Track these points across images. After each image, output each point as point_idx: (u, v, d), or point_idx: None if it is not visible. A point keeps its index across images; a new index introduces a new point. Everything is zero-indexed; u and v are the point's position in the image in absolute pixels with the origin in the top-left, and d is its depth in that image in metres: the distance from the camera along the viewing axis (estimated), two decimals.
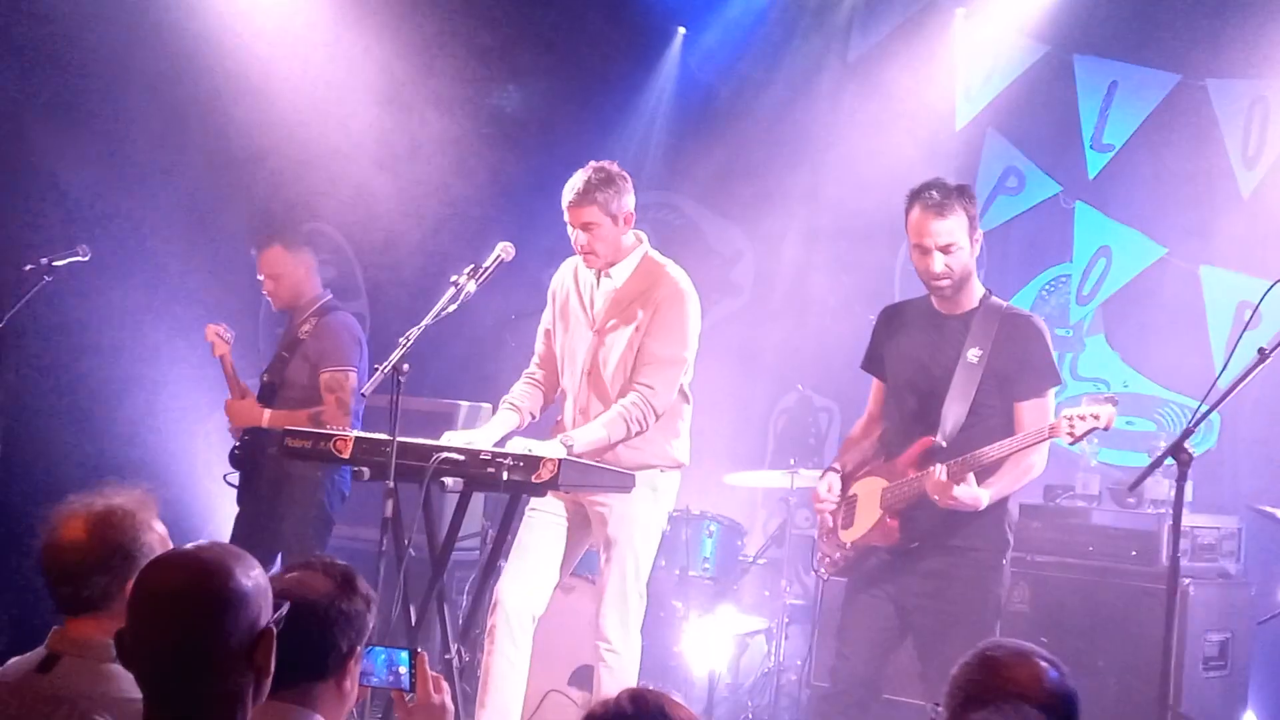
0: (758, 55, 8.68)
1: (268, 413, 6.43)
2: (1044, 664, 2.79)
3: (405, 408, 4.86)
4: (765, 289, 8.71)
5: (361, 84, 8.55)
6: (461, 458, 4.81)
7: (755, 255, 8.85)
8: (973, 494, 4.79)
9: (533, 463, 4.73)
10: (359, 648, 2.97)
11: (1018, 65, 7.92)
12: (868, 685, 5.02)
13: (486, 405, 7.08)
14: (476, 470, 4.79)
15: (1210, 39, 7.32)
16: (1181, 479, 4.44)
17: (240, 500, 6.60)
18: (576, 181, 5.32)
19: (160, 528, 3.35)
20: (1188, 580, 6.14)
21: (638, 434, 5.29)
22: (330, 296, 6.75)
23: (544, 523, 5.37)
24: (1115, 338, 7.68)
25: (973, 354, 4.93)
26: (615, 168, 5.39)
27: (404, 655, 3.17)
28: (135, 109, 8.17)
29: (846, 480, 5.20)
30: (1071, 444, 4.83)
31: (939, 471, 4.79)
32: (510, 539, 5.32)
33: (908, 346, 5.11)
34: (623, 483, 5.17)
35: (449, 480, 4.81)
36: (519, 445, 5.08)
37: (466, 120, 8.78)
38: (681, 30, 8.97)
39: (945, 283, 4.95)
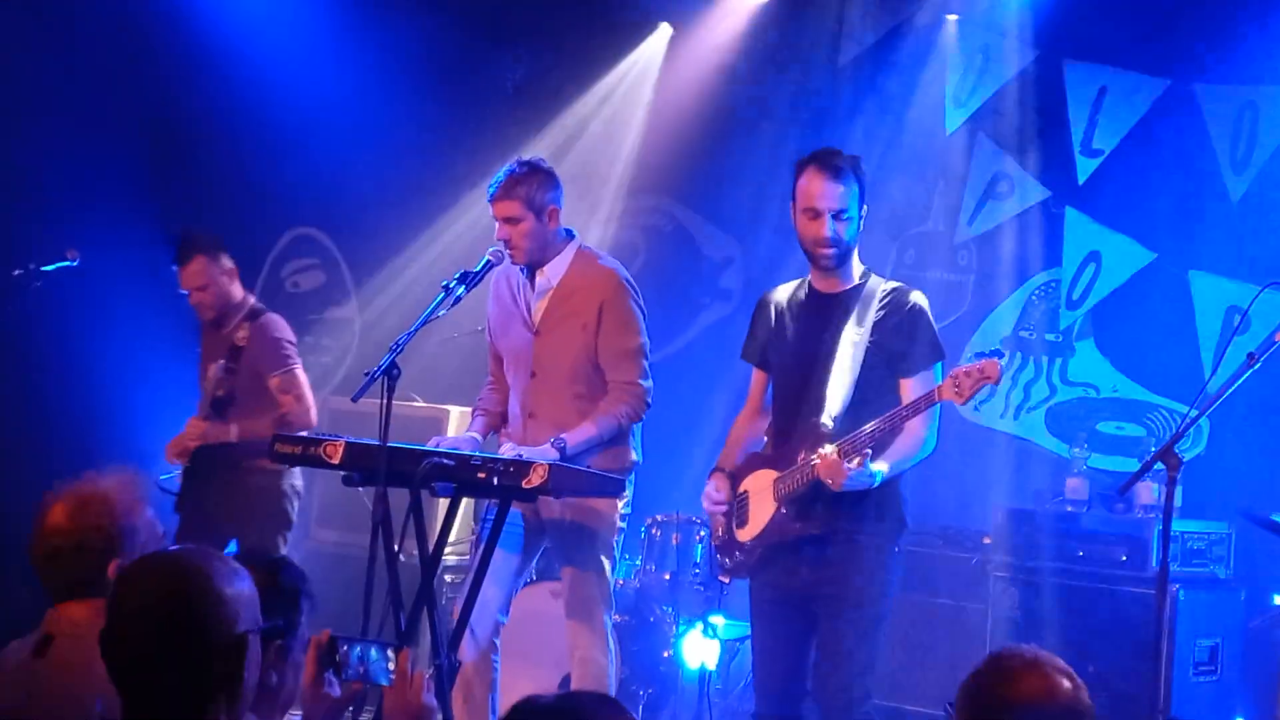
0: (747, 59, 8.67)
1: (234, 426, 6.41)
2: (1060, 679, 2.71)
3: (394, 412, 4.85)
4: (755, 294, 8.67)
5: (349, 88, 8.54)
6: (452, 463, 4.81)
7: (745, 260, 8.85)
8: (867, 471, 4.62)
9: (523, 468, 4.73)
10: (281, 641, 2.95)
11: (1007, 70, 7.92)
12: (793, 698, 4.93)
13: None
14: (467, 475, 4.78)
15: (1199, 44, 7.33)
16: (1171, 484, 4.44)
17: (183, 509, 6.51)
18: (500, 175, 5.33)
19: (146, 510, 3.35)
20: (1178, 585, 6.15)
21: (629, 427, 5.33)
22: (253, 297, 6.73)
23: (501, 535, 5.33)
24: (1105, 343, 7.69)
25: (855, 332, 4.79)
26: (541, 162, 5.39)
27: (378, 650, 3.15)
28: (125, 113, 8.16)
29: (735, 479, 5.04)
30: (963, 404, 4.65)
31: (829, 451, 4.62)
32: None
33: (788, 330, 4.97)
34: (613, 487, 5.17)
35: (439, 485, 4.80)
36: (509, 451, 5.08)
37: (457, 122, 8.78)
38: (667, 28, 8.94)
39: (831, 251, 4.82)
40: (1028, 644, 2.84)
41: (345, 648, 3.12)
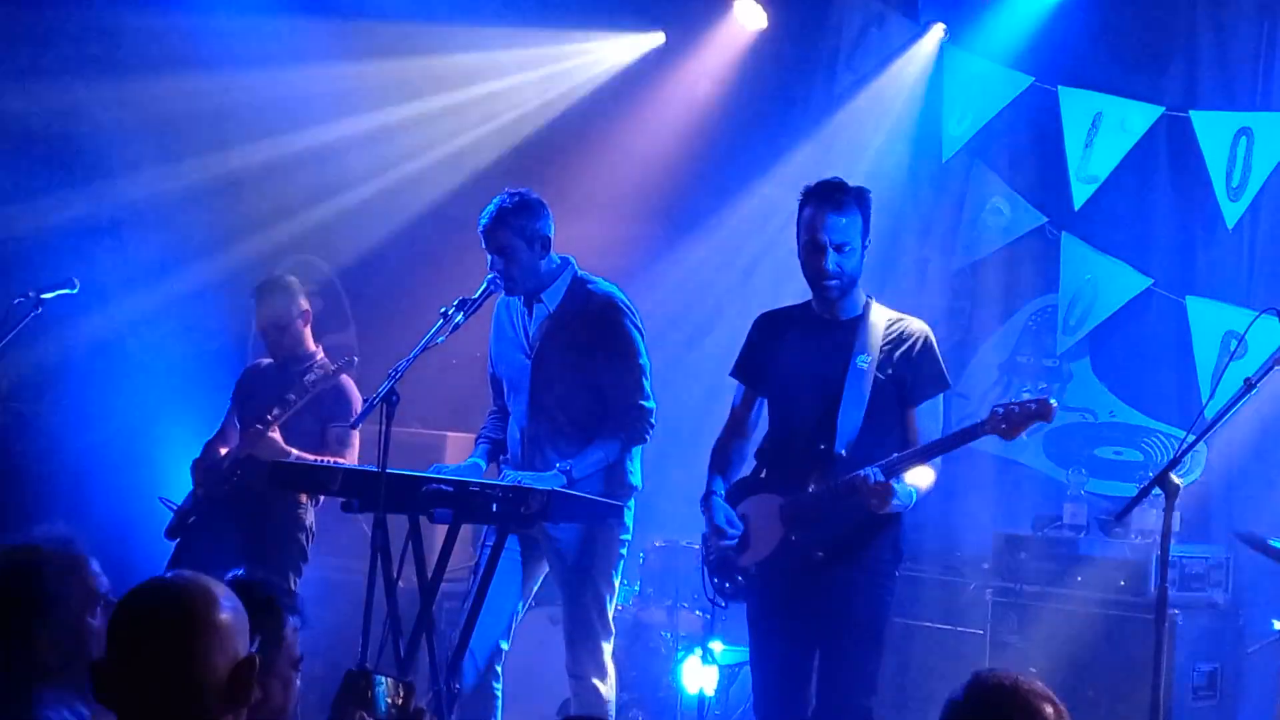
0: (745, 85, 8.70)
1: (295, 452, 6.39)
2: (1043, 706, 2.71)
3: (393, 439, 4.86)
4: (753, 318, 8.69)
5: (349, 109, 8.56)
6: (450, 489, 4.81)
7: (742, 286, 8.84)
8: (906, 492, 4.65)
9: (522, 494, 4.73)
10: (262, 655, 2.93)
11: (1002, 97, 7.94)
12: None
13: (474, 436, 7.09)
14: (465, 502, 4.79)
15: (1194, 71, 7.36)
16: (1169, 509, 4.45)
17: (194, 533, 6.53)
18: (491, 207, 5.37)
19: (90, 565, 3.31)
20: (1176, 610, 6.15)
21: (636, 446, 5.35)
22: (322, 350, 6.75)
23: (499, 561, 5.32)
24: (1101, 368, 7.69)
25: (862, 360, 4.81)
26: (531, 193, 5.42)
27: (383, 681, 3.13)
28: (124, 138, 8.18)
29: (730, 502, 5.01)
30: (1008, 440, 4.66)
31: (872, 474, 4.60)
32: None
33: (794, 354, 4.97)
34: (611, 513, 5.18)
35: (438, 511, 4.81)
36: (510, 477, 5.09)
37: (456, 145, 8.79)
38: (659, 35, 8.91)
39: (834, 283, 4.83)
40: (1006, 670, 2.83)
41: (371, 682, 3.10)
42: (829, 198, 4.82)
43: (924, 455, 4.72)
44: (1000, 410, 4.60)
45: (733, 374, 5.19)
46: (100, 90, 7.98)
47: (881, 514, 4.74)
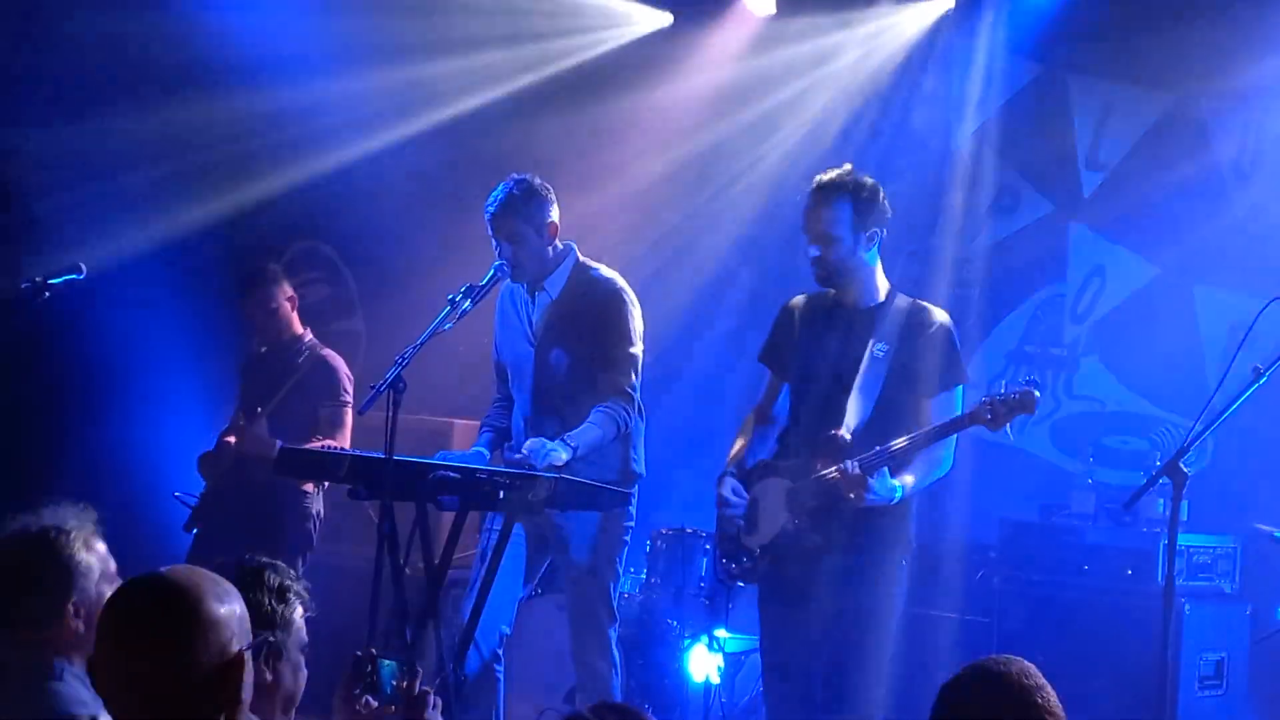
0: (753, 71, 8.68)
1: (279, 442, 6.43)
2: (1033, 698, 2.74)
3: (400, 425, 4.85)
4: (761, 306, 8.68)
5: (356, 97, 8.55)
6: (457, 476, 4.81)
7: (751, 273, 8.84)
8: (887, 487, 4.69)
9: (529, 481, 4.74)
10: (273, 639, 2.95)
11: (1012, 85, 7.93)
12: (804, 710, 4.92)
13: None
14: (472, 489, 4.79)
15: (1203, 59, 7.33)
16: (1177, 498, 4.45)
17: (209, 523, 6.63)
18: (498, 193, 5.37)
19: (100, 546, 3.34)
20: (1183, 599, 6.14)
21: (624, 433, 5.34)
22: (310, 331, 6.87)
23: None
24: (1109, 357, 7.69)
25: (879, 348, 4.86)
26: (537, 180, 5.42)
27: (390, 666, 3.15)
28: (132, 125, 8.17)
29: (744, 483, 5.06)
30: (994, 430, 4.73)
31: (851, 466, 4.67)
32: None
33: (812, 340, 5.02)
34: (617, 500, 5.18)
35: (445, 498, 4.81)
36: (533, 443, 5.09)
37: (463, 132, 8.77)
38: (668, 16, 8.87)
39: (818, 270, 4.95)
40: (1003, 656, 2.85)
41: (376, 666, 3.12)
42: (818, 190, 4.92)
43: (901, 449, 4.75)
44: (987, 400, 4.67)
45: (759, 358, 5.23)
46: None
47: (888, 504, 4.75)
